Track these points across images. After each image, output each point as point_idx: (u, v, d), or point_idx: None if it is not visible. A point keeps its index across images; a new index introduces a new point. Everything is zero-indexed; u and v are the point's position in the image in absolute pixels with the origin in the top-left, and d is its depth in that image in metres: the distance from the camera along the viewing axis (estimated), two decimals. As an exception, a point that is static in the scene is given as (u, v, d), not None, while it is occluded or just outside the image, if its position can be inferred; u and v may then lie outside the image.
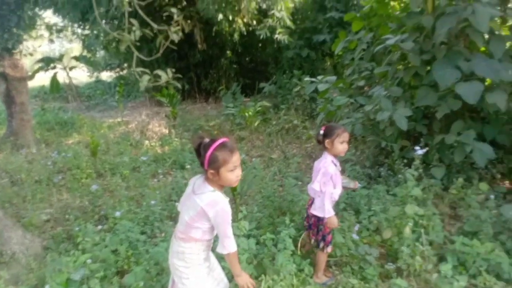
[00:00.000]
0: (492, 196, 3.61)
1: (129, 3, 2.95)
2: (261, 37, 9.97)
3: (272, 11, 9.61)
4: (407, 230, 3.16)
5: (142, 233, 3.67)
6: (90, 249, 3.21)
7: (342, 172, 3.29)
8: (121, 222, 3.69)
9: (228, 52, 13.16)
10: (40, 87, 16.96)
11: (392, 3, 5.82)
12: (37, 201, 4.77)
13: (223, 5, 9.32)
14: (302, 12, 11.46)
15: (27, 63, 8.93)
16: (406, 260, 3.00)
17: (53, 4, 10.55)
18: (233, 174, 2.05)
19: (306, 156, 6.61)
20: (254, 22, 10.62)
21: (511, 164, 4.36)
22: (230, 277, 2.44)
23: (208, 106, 12.38)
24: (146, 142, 7.63)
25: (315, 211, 2.91)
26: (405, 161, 4.21)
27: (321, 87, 6.23)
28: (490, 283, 2.80)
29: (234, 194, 3.86)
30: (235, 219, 2.72)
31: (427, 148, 4.06)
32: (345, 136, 2.84)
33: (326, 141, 2.85)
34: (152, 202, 4.26)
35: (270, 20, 9.76)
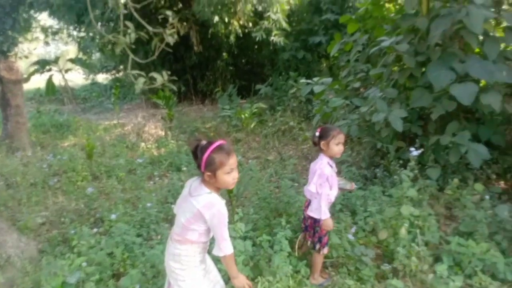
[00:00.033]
0: (487, 197, 3.63)
1: (125, 5, 2.95)
2: (257, 39, 10.00)
3: (268, 13, 9.65)
4: (403, 231, 3.17)
5: (138, 235, 3.66)
6: (85, 252, 3.20)
7: (339, 173, 3.30)
8: (117, 224, 3.68)
9: (224, 54, 13.17)
10: (36, 90, 16.91)
11: (387, 5, 5.84)
12: (32, 204, 4.75)
13: (219, 7, 9.34)
14: (297, 14, 11.48)
15: (22, 65, 8.92)
16: (402, 261, 3.01)
17: (49, 7, 10.53)
18: (229, 176, 2.05)
19: (302, 158, 6.62)
20: (250, 24, 10.64)
21: (506, 164, 4.39)
22: (227, 279, 2.44)
23: (204, 108, 12.37)
24: (142, 144, 7.61)
25: (311, 212, 2.91)
26: (401, 162, 4.23)
27: (317, 88, 6.24)
28: (485, 283, 2.82)
29: (230, 196, 3.86)
30: (231, 221, 2.72)
31: (422, 149, 4.07)
32: (341, 137, 2.84)
33: (322, 142, 2.86)
34: (148, 204, 4.25)
35: (266, 22, 9.80)
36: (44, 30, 13.14)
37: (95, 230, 3.90)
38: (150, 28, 2.77)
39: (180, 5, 11.73)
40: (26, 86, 8.66)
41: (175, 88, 3.08)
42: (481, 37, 3.92)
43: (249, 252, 3.01)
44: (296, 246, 3.17)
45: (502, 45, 4.06)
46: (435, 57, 4.04)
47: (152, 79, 2.75)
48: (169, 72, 2.86)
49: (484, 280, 2.82)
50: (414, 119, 4.62)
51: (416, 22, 4.27)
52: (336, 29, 9.59)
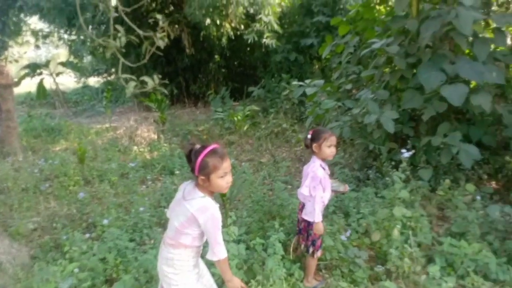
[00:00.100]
0: (478, 197, 3.66)
1: (115, 8, 2.93)
2: (249, 41, 10.02)
3: (260, 16, 9.67)
4: (396, 232, 3.19)
5: (131, 240, 3.63)
6: (78, 258, 3.17)
7: (332, 175, 3.30)
8: (109, 229, 3.65)
9: (216, 56, 13.17)
10: (27, 94, 16.78)
11: (377, 7, 5.88)
12: (24, 209, 4.70)
13: (211, 9, 9.35)
14: (289, 16, 11.52)
15: (13, 69, 8.83)
16: (395, 262, 3.02)
17: (39, 10, 10.48)
18: (223, 180, 2.05)
19: (295, 160, 6.63)
20: (242, 27, 10.66)
21: (497, 164, 4.43)
22: (220, 283, 2.43)
23: (197, 110, 12.35)
24: (135, 148, 7.58)
25: (306, 216, 2.91)
26: (393, 163, 4.25)
27: (309, 90, 6.27)
28: (478, 284, 2.83)
29: (224, 199, 3.85)
30: (224, 225, 2.71)
31: (414, 150, 4.10)
32: (332, 140, 2.85)
33: (314, 145, 2.86)
34: (141, 208, 4.22)
35: (257, 25, 9.82)
36: (35, 33, 13.06)
37: (87, 235, 3.87)
38: (140, 32, 2.76)
39: (172, 7, 11.72)
40: (17, 90, 8.57)
41: (166, 92, 3.08)
42: (470, 39, 3.95)
43: (242, 256, 3.00)
44: (291, 249, 3.17)
45: (492, 46, 4.10)
46: (426, 59, 4.08)
47: (143, 83, 2.73)
48: (160, 76, 2.85)
49: (477, 280, 2.84)
50: (406, 120, 4.65)
51: (406, 24, 4.30)
52: (327, 31, 9.64)
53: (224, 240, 2.16)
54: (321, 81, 6.53)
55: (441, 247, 3.20)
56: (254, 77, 13.11)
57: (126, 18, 2.65)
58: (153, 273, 2.92)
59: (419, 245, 3.24)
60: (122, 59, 2.68)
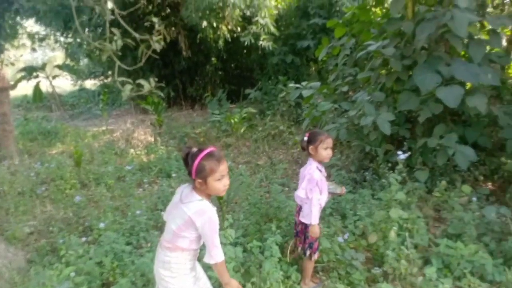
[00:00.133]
0: (474, 198, 3.67)
1: (112, 11, 2.93)
2: (246, 43, 10.04)
3: (256, 18, 9.68)
4: (392, 234, 3.19)
5: (128, 244, 3.62)
6: (74, 262, 3.16)
7: (328, 177, 3.30)
8: (106, 233, 3.64)
9: (213, 58, 13.18)
10: (23, 97, 16.75)
11: (373, 9, 5.90)
12: (20, 213, 4.68)
13: (207, 12, 9.35)
14: (285, 18, 11.55)
15: (9, 72, 8.80)
16: (391, 264, 3.02)
17: (35, 13, 10.46)
18: (220, 183, 2.05)
19: (292, 162, 6.63)
20: (239, 29, 10.67)
21: (493, 166, 4.45)
22: (217, 286, 2.42)
23: (194, 113, 12.35)
24: (131, 150, 7.56)
25: (303, 218, 2.91)
26: (390, 165, 4.26)
27: (306, 93, 6.28)
28: (474, 285, 2.84)
29: (221, 202, 3.85)
30: (221, 227, 2.71)
31: (410, 152, 4.11)
32: (329, 142, 2.85)
33: (310, 147, 2.86)
34: (138, 212, 4.21)
35: (254, 27, 9.84)
36: (31, 36, 13.03)
37: (84, 239, 3.85)
38: (136, 35, 2.76)
39: (168, 10, 11.72)
40: (13, 93, 8.56)
41: (162, 95, 3.08)
42: (466, 40, 3.97)
43: (239, 259, 3.00)
44: (288, 251, 3.17)
45: (487, 48, 4.12)
46: (421, 61, 4.09)
47: (140, 86, 2.73)
48: (156, 79, 2.86)
49: (473, 282, 2.85)
50: (402, 122, 4.66)
51: (402, 26, 4.32)
52: (324, 33, 9.68)
53: (221, 243, 2.15)
54: (318, 83, 6.55)
55: (437, 248, 3.21)
56: (251, 79, 13.12)
57: (122, 21, 2.65)
58: (150, 277, 2.92)
59: (415, 246, 3.24)
60: (118, 62, 2.68)
